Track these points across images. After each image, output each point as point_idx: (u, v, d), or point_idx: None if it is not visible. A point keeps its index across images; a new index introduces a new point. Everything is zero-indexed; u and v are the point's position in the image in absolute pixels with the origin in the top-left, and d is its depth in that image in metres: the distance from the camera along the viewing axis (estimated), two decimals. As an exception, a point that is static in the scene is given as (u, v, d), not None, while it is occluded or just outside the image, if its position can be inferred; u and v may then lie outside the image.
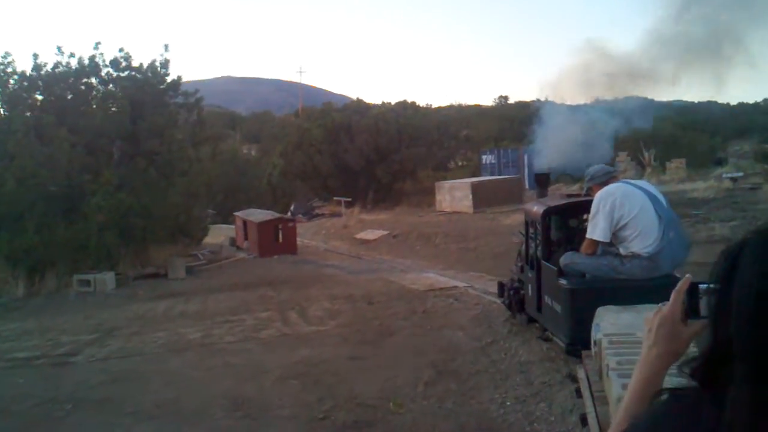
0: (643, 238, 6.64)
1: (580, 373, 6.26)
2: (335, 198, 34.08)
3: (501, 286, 10.23)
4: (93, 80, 18.03)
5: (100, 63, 17.79)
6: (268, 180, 42.14)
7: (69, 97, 17.07)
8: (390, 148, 34.29)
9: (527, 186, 37.64)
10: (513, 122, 46.77)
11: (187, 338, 10.86)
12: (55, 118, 15.97)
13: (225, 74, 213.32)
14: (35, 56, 17.10)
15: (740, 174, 25.87)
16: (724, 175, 26.32)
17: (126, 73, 17.93)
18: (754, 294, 1.07)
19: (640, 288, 6.48)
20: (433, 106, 58.98)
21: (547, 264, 7.81)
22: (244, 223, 22.14)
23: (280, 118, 74.16)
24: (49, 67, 17.26)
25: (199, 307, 13.34)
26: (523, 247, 9.29)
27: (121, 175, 16.46)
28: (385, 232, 23.62)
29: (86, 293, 15.36)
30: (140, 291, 15.12)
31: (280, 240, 20.59)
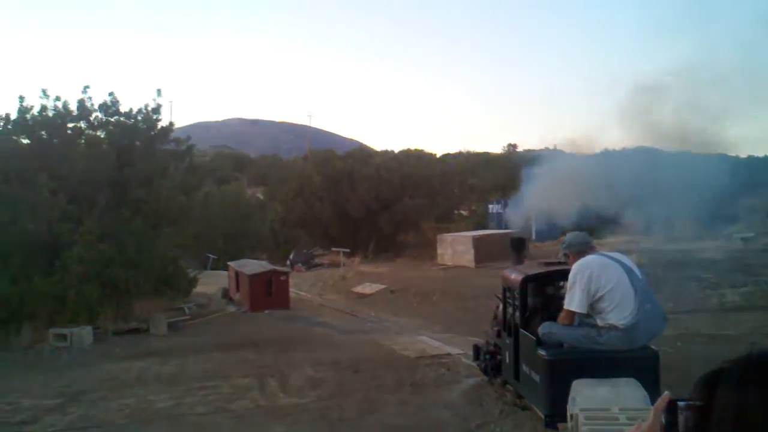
0: (619, 310, 6.75)
1: None
2: (332, 249, 33.37)
3: (477, 349, 10.21)
4: (81, 124, 17.47)
5: (89, 107, 17.24)
6: (271, 226, 41.51)
7: (54, 141, 16.48)
8: (392, 197, 33.64)
9: (534, 237, 36.93)
10: (521, 171, 45.76)
11: (156, 407, 10.05)
12: (37, 163, 15.37)
13: (235, 116, 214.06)
14: (21, 99, 16.59)
15: (752, 235, 25.02)
16: (734, 235, 25.47)
17: (114, 118, 17.35)
18: (733, 421, 1.16)
19: (618, 359, 6.75)
20: (437, 155, 58.53)
21: (526, 333, 7.85)
22: (237, 274, 21.40)
23: (288, 162, 73.99)
24: (35, 111, 16.71)
25: (175, 370, 12.52)
26: (500, 310, 9.32)
27: (104, 225, 15.79)
28: (383, 287, 22.86)
29: (62, 348, 14.58)
30: (117, 348, 14.33)
31: (273, 294, 19.82)
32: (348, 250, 31.67)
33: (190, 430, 9.00)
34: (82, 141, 17.14)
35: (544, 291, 8.44)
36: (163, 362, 13.04)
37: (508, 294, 8.80)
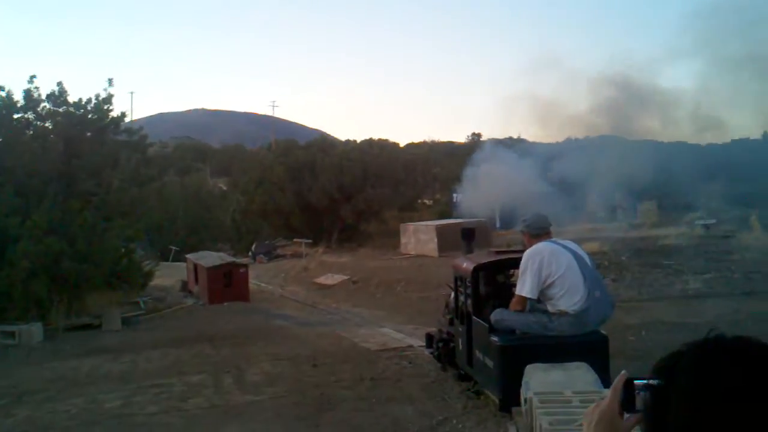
0: (569, 296, 6.88)
1: (512, 430, 6.57)
2: (294, 240, 32.95)
3: (429, 337, 10.50)
4: (28, 115, 16.77)
5: (35, 97, 16.56)
6: (233, 217, 40.91)
7: (-2, 133, 15.83)
8: (355, 187, 33.20)
9: (498, 226, 36.82)
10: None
11: (104, 407, 9.62)
12: (-21, 156, 14.75)
13: (199, 106, 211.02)
14: (-37, 90, 15.85)
15: (713, 221, 25.09)
16: (696, 222, 25.54)
17: (63, 108, 16.68)
18: (692, 404, 1.19)
19: (569, 344, 6.87)
20: (401, 144, 58.19)
21: (478, 320, 7.96)
22: (195, 266, 20.88)
23: (252, 152, 73.10)
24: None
25: (127, 367, 12.07)
26: (452, 299, 9.50)
27: (53, 218, 15.19)
28: (345, 277, 22.51)
29: (10, 346, 14.01)
30: (68, 345, 13.79)
31: (232, 286, 19.35)
32: (310, 241, 31.26)
33: (139, 430, 8.60)
34: (30, 132, 16.44)
35: (494, 279, 8.68)
36: (114, 359, 12.57)
37: (459, 283, 8.92)
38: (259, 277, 27.33)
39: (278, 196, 33.38)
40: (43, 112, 16.77)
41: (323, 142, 36.99)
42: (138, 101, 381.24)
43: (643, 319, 13.11)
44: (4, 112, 15.90)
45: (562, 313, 6.93)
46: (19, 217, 14.71)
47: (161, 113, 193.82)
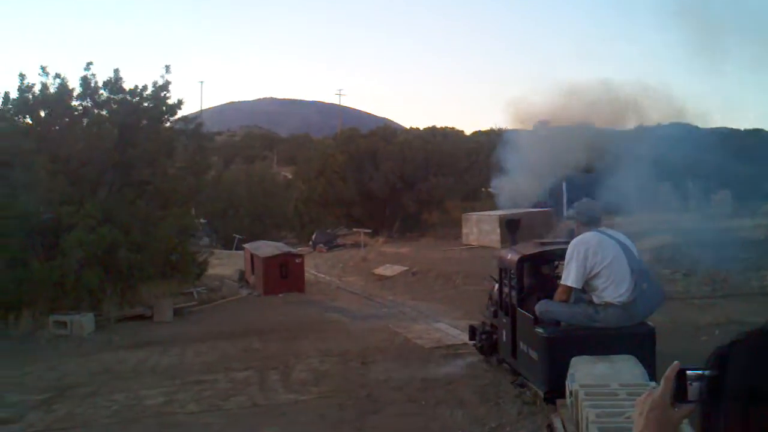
0: (615, 288, 6.82)
1: (557, 423, 6.45)
2: (353, 229, 32.57)
3: (472, 329, 10.41)
4: (85, 103, 16.68)
5: (92, 85, 16.45)
6: (295, 205, 40.75)
7: (55, 121, 15.74)
8: (417, 176, 32.61)
9: (565, 215, 35.83)
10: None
11: (146, 404, 9.32)
12: (35, 144, 14.64)
13: (268, 95, 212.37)
14: (21, 77, 15.81)
15: (794, 211, 23.70)
16: (775, 213, 24.17)
17: (119, 96, 16.53)
18: (743, 399, 1.15)
19: (615, 336, 6.83)
20: (467, 132, 57.32)
21: (523, 311, 7.91)
22: (252, 256, 20.64)
23: (317, 141, 73.29)
24: (36, 89, 15.92)
25: (174, 361, 11.79)
26: (496, 291, 9.46)
27: (107, 207, 15.06)
28: (404, 268, 21.96)
29: (61, 336, 13.93)
30: (117, 336, 13.62)
31: (287, 277, 19.03)
32: (369, 231, 30.81)
33: (177, 431, 8.26)
34: (85, 120, 16.35)
35: (539, 270, 8.60)
36: (162, 352, 12.31)
37: (504, 274, 8.91)
38: (318, 266, 27.03)
39: (339, 185, 33.02)
40: (100, 100, 16.65)
41: (385, 130, 36.44)
42: (208, 91, 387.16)
43: (717, 317, 12.18)
44: (59, 99, 15.81)
45: (607, 305, 6.87)
46: (73, 206, 14.60)
47: (231, 102, 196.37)
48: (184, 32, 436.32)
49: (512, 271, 8.37)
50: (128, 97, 16.67)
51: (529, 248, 8.82)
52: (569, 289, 6.98)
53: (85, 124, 16.21)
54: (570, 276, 6.90)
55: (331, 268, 25.86)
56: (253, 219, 43.20)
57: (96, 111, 16.94)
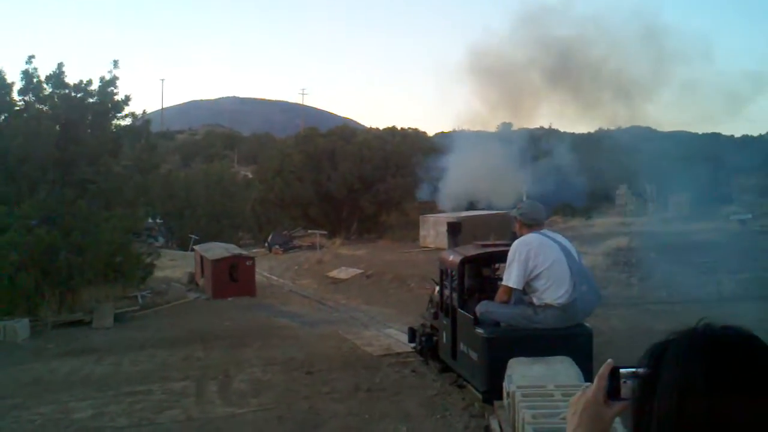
0: (555, 289, 6.88)
1: (494, 424, 6.61)
2: (309, 231, 32.08)
3: (412, 331, 10.49)
4: (26, 98, 15.93)
5: (34, 79, 15.73)
6: (253, 206, 40.06)
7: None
8: (375, 176, 32.19)
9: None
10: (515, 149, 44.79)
11: (73, 417, 8.76)
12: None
13: (230, 94, 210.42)
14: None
15: (749, 216, 23.70)
16: (731, 216, 24.16)
17: (62, 91, 15.82)
18: (676, 395, 1.18)
19: (553, 337, 6.91)
20: (428, 133, 57.05)
21: (463, 312, 7.97)
22: (201, 258, 20.02)
23: (280, 140, 72.39)
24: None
25: (108, 370, 11.18)
26: (437, 293, 9.56)
27: (46, 207, 14.40)
28: (359, 271, 21.51)
29: (-5, 343, 13.26)
30: (52, 344, 12.96)
31: (237, 280, 18.46)
32: (325, 232, 30.36)
33: (101, 449, 7.73)
34: (24, 116, 15.59)
35: (480, 272, 8.75)
36: (97, 361, 11.69)
37: (445, 276, 8.94)
38: (273, 269, 26.47)
39: (296, 185, 32.45)
40: (42, 95, 15.91)
41: (344, 130, 35.85)
42: (170, 89, 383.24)
43: (672, 324, 11.66)
44: (-4, 94, 15.04)
45: (547, 306, 6.92)
46: (8, 205, 13.92)
47: (193, 101, 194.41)
48: (144, 29, 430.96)
49: (453, 273, 8.45)
50: (72, 93, 15.96)
51: (471, 250, 8.87)
52: (510, 289, 7.02)
53: (23, 119, 15.43)
54: (511, 277, 6.93)
55: (286, 271, 25.33)
56: (210, 219, 42.42)
57: (38, 106, 16.19)
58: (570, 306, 6.88)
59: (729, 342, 1.22)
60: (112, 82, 17.05)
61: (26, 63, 15.78)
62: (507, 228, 25.90)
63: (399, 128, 39.72)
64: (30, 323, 13.86)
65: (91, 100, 16.45)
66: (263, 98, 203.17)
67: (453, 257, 8.66)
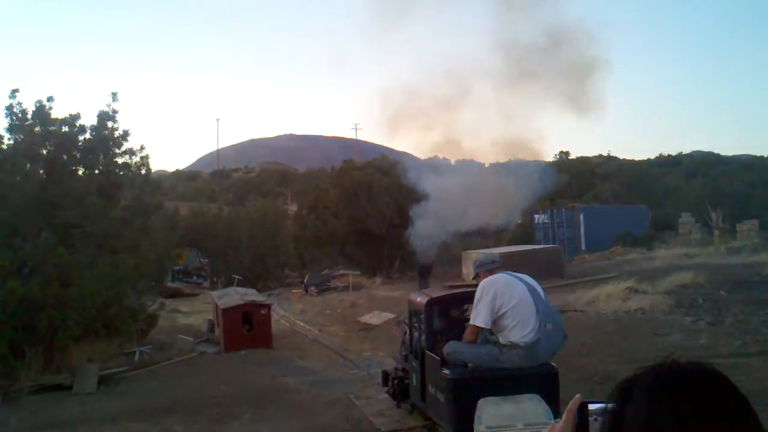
0: (521, 328, 6.84)
1: None
2: (342, 271, 30.14)
3: (385, 375, 10.33)
4: (13, 136, 14.43)
5: (18, 113, 14.24)
6: (295, 244, 38.35)
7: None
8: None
9: (584, 247, 33.31)
10: (574, 179, 42.83)
11: None
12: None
13: (288, 132, 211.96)
14: None
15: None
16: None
17: (51, 127, 14.27)
18: (645, 426, 1.24)
19: (520, 377, 6.91)
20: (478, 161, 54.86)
21: (431, 354, 7.96)
22: (215, 306, 18.22)
23: (315, 174, 71.08)
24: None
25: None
26: (407, 336, 9.42)
27: (21, 257, 12.80)
28: (392, 316, 19.45)
29: (-40, 414, 11.56)
30: (17, 416, 11.17)
31: (252, 330, 16.58)
32: (358, 272, 28.38)
33: None
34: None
35: (448, 313, 8.64)
36: (59, 440, 9.89)
37: (414, 318, 8.97)
38: (304, 312, 24.61)
39: (331, 221, 30.56)
40: (26, 131, 14.38)
41: (382, 161, 33.90)
42: (227, 128, 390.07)
43: (753, 386, 9.55)
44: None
45: (513, 345, 6.88)
46: (-23, 256, 12.34)
47: (252, 139, 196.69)
48: (200, 69, 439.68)
49: (421, 315, 8.43)
50: (58, 128, 14.43)
51: (438, 291, 9.09)
52: (477, 329, 7.00)
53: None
54: (479, 316, 6.89)
55: (317, 315, 23.41)
56: (255, 258, 40.82)
57: (16, 143, 14.63)
58: (535, 345, 6.80)
59: (694, 378, 1.29)
60: (110, 116, 15.52)
61: (10, 97, 14.31)
62: (558, 262, 23.68)
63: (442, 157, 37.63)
64: (2, 390, 12.19)
65: (83, 137, 14.90)
66: (319, 135, 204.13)
67: (420, 299, 8.70)
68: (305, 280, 31.19)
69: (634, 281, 17.36)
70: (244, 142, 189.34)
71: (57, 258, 12.92)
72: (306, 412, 10.48)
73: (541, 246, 27.79)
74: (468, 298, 7.66)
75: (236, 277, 36.17)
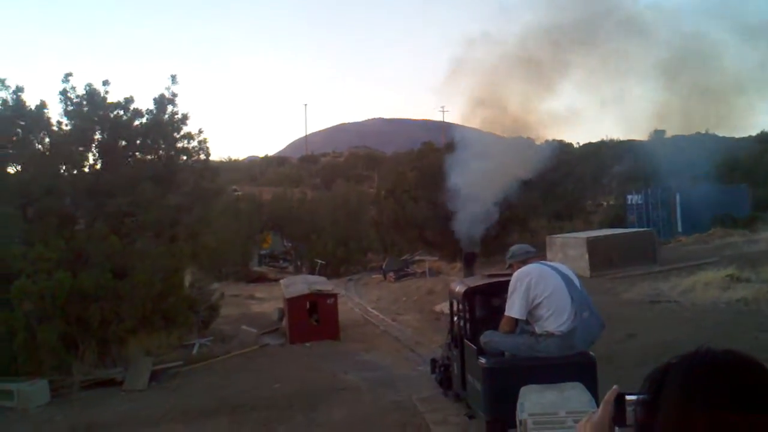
0: (556, 318, 6.76)
1: None
2: (419, 257, 29.07)
3: (433, 362, 10.34)
4: (63, 120, 13.91)
5: (72, 98, 13.71)
6: (375, 228, 37.59)
7: (9, 143, 13.04)
8: (498, 192, 28.75)
9: (680, 229, 31.36)
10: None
11: None
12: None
13: (376, 116, 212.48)
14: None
15: None
16: None
17: (100, 111, 13.69)
18: (678, 412, 1.21)
19: (556, 366, 6.73)
20: (575, 143, 52.85)
21: (469, 343, 7.93)
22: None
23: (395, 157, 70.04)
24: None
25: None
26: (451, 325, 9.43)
27: (73, 247, 12.26)
28: (469, 304, 18.30)
29: (8, 409, 11.14)
30: (63, 414, 10.63)
31: (318, 321, 15.77)
32: (435, 258, 27.27)
33: None
34: (44, 140, 13.49)
35: (488, 302, 8.54)
36: (95, 443, 9.25)
37: (454, 307, 9.00)
38: (380, 300, 23.75)
39: (410, 205, 29.54)
40: (82, 115, 13.84)
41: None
42: (316, 113, 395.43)
43: None
44: (13, 119, 13.02)
45: (548, 335, 6.81)
46: (26, 246, 11.87)
47: (341, 124, 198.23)
48: (289, 55, 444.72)
49: (460, 304, 8.43)
50: (112, 113, 13.86)
51: (476, 281, 8.95)
52: (513, 320, 6.95)
53: (43, 145, 13.38)
54: (513, 307, 6.86)
55: (392, 303, 22.49)
56: (337, 243, 40.30)
57: (68, 126, 14.10)
58: (571, 334, 6.73)
59: (728, 363, 1.24)
60: (171, 100, 14.88)
61: (63, 82, 13.77)
62: (650, 246, 21.97)
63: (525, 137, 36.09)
64: (55, 384, 11.72)
65: (138, 121, 14.31)
66: (407, 118, 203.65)
67: (459, 288, 8.66)
68: (384, 266, 30.37)
69: (734, 268, 15.80)
70: (332, 127, 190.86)
71: (109, 248, 12.33)
72: (359, 419, 9.52)
73: (632, 229, 25.98)
74: (505, 287, 7.35)
75: (319, 261, 35.83)
